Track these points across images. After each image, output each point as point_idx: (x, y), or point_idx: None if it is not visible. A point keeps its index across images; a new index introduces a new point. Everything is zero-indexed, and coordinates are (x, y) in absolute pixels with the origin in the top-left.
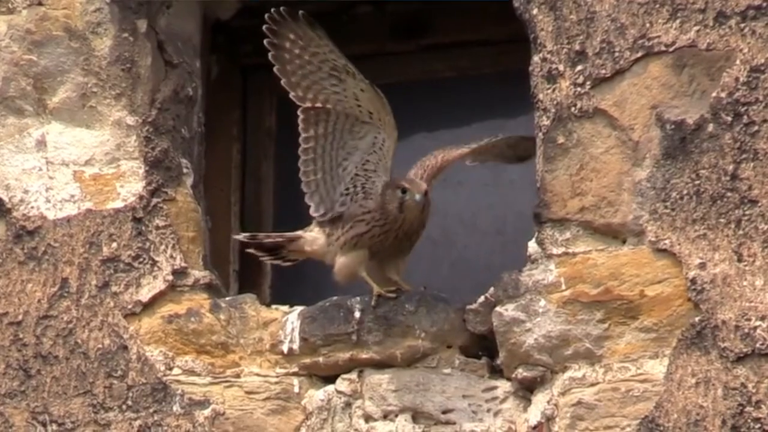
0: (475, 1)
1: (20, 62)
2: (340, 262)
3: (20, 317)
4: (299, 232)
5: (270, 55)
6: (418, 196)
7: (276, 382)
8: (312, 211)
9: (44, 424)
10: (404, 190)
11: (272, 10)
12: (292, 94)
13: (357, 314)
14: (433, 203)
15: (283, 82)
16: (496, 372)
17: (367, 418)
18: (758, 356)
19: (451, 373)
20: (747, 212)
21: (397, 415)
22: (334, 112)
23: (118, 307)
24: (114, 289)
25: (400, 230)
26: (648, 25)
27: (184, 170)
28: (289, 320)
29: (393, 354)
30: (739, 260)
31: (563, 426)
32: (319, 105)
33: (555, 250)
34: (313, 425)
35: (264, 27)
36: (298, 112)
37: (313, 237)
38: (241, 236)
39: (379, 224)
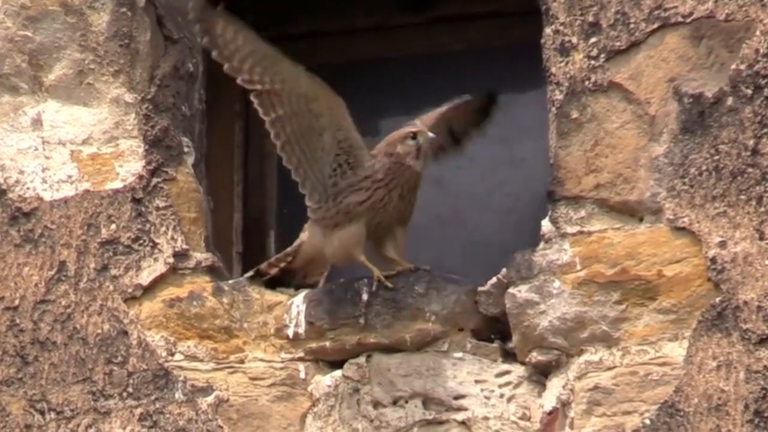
0: None
1: (15, 38)
2: (335, 241)
3: (17, 302)
4: (297, 241)
5: (204, 40)
6: (431, 134)
7: (281, 368)
8: (307, 201)
9: (42, 413)
10: (414, 136)
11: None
12: (239, 79)
13: (365, 297)
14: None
15: (226, 67)
16: (510, 356)
17: (376, 404)
18: None
19: (463, 357)
20: None
21: (407, 401)
22: (284, 93)
23: (117, 291)
24: (113, 272)
25: (405, 186)
26: None
27: (185, 149)
28: (295, 303)
29: (402, 338)
30: (761, 238)
31: (579, 411)
32: (267, 87)
33: (569, 229)
34: (320, 412)
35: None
36: (251, 97)
37: (310, 233)
38: (244, 279)
39: (383, 185)
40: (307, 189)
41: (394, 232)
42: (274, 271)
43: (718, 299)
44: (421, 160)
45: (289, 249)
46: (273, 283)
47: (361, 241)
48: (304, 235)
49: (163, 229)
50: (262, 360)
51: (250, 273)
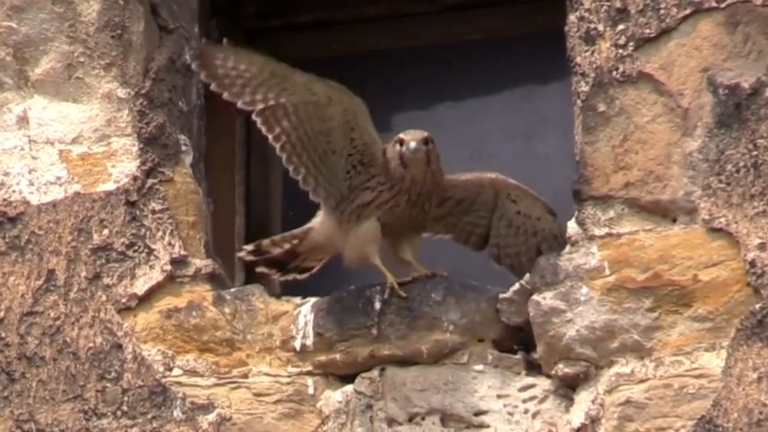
0: None
1: None
2: (350, 239)
3: (2, 314)
4: (308, 225)
5: (203, 75)
6: (413, 144)
7: (288, 383)
8: (323, 207)
9: None
10: (401, 142)
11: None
12: (239, 103)
13: (377, 305)
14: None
15: (225, 95)
16: (534, 368)
17: (390, 421)
18: None
19: (484, 370)
20: None
21: (423, 418)
22: (290, 105)
23: (110, 302)
24: (106, 281)
25: (411, 191)
26: None
27: (183, 147)
28: (302, 313)
29: (418, 349)
30: None
31: (610, 428)
32: (272, 103)
33: (597, 231)
34: (330, 430)
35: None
36: (253, 117)
37: (323, 222)
38: (244, 253)
39: (386, 188)
40: (321, 196)
41: (409, 237)
42: (277, 251)
43: (758, 305)
44: (409, 167)
45: (296, 231)
46: (270, 264)
47: (375, 239)
48: (315, 221)
49: (160, 234)
50: (267, 374)
51: (250, 247)
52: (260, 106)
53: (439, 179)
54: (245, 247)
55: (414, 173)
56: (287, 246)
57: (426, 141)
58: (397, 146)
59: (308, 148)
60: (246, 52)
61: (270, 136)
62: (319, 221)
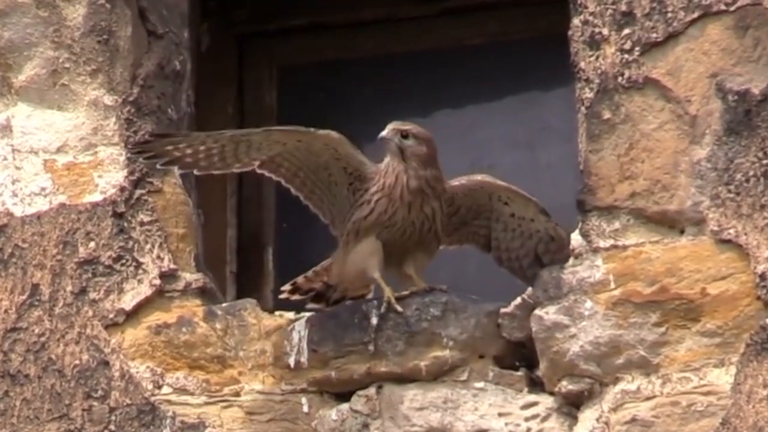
0: None
1: None
2: (347, 260)
3: None
4: (330, 258)
5: (176, 170)
6: (383, 132)
7: (281, 401)
8: (332, 231)
9: None
10: (405, 135)
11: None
12: (236, 167)
13: (374, 320)
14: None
15: (215, 173)
16: (537, 385)
17: None
18: None
19: (485, 387)
20: None
21: None
22: (277, 156)
23: (97, 317)
24: (92, 296)
25: (405, 195)
26: None
27: None
28: (296, 329)
29: (416, 366)
30: None
31: None
32: (258, 162)
33: (602, 243)
34: None
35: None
36: (256, 169)
37: (337, 252)
38: (285, 294)
39: (384, 195)
40: (329, 219)
41: (416, 255)
42: (313, 286)
43: None
44: (408, 158)
45: (324, 263)
46: (316, 299)
47: (373, 256)
48: (337, 251)
49: (148, 246)
50: (259, 392)
51: (287, 287)
52: (255, 164)
53: (437, 182)
54: (283, 288)
55: (394, 165)
56: (319, 280)
57: (402, 134)
58: (397, 138)
59: (317, 183)
60: (189, 133)
61: (282, 181)
62: (337, 251)
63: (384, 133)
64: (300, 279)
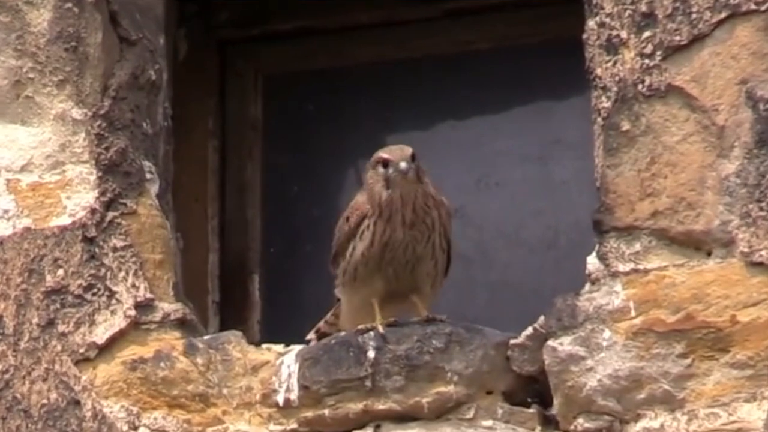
0: None
1: None
2: (346, 305)
3: None
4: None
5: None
6: (403, 164)
7: None
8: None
9: None
10: (385, 164)
11: None
12: None
13: (371, 354)
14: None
15: None
16: (550, 423)
17: None
18: None
19: (493, 426)
20: None
21: None
22: None
23: (66, 352)
24: (61, 328)
25: (400, 211)
26: None
27: (148, 175)
28: (285, 363)
29: (418, 403)
30: None
31: None
32: None
33: (621, 267)
34: None
35: None
36: None
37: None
38: (313, 342)
39: (376, 217)
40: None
41: (422, 292)
42: (335, 329)
43: None
44: (394, 188)
45: (335, 307)
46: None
47: (374, 296)
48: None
49: (122, 274)
50: None
51: (312, 335)
52: None
53: (431, 192)
54: (308, 336)
55: (404, 194)
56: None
57: (413, 157)
58: (380, 168)
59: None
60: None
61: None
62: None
63: (404, 165)
64: (321, 324)
